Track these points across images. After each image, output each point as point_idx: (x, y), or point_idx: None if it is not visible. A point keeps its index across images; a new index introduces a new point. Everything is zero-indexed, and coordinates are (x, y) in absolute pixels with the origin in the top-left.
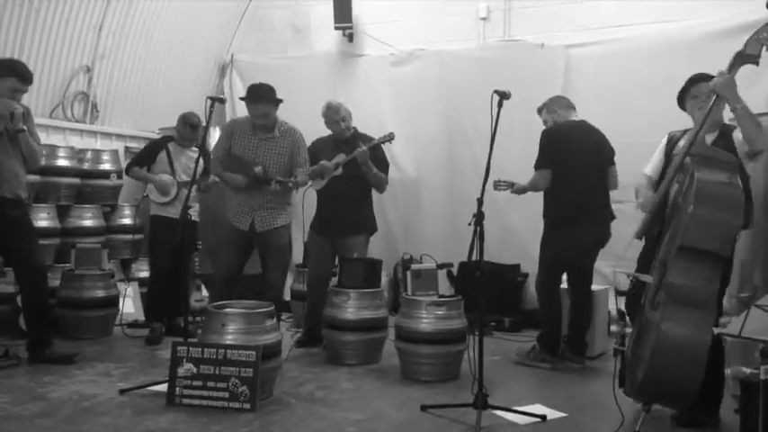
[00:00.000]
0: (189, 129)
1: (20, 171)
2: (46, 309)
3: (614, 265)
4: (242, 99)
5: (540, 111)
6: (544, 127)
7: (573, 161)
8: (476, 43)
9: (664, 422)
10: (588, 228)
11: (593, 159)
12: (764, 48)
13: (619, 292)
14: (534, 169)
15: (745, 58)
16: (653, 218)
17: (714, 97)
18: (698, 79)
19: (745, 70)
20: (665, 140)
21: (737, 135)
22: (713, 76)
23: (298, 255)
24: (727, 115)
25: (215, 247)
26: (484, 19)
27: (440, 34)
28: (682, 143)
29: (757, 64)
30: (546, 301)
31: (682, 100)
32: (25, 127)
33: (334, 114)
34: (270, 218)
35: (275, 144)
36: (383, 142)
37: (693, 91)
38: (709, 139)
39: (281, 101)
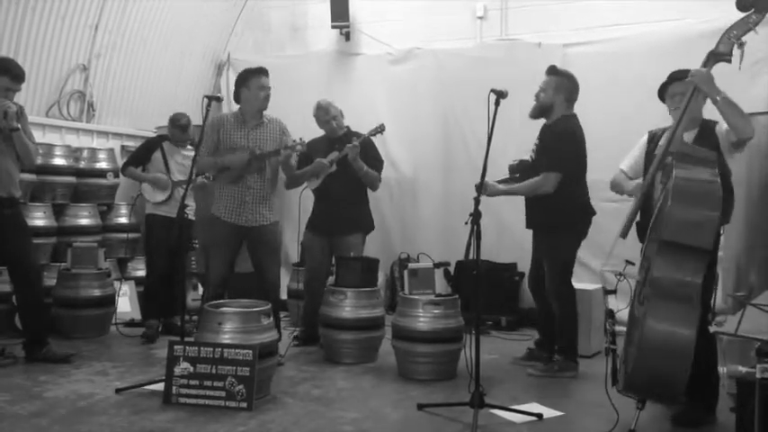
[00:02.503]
0: (178, 130)
1: (14, 170)
2: (41, 308)
3: (602, 263)
4: (242, 76)
5: (554, 71)
6: (536, 103)
7: (583, 160)
8: (473, 42)
9: (660, 421)
10: (587, 227)
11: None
12: (735, 46)
13: (606, 291)
14: (544, 169)
15: (718, 56)
16: (636, 215)
17: (692, 89)
18: (674, 78)
19: (745, 69)
20: (645, 138)
21: (720, 128)
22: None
23: (294, 254)
24: (709, 113)
25: (208, 249)
26: (481, 18)
27: (437, 33)
28: (663, 141)
29: (730, 62)
30: (568, 308)
31: (662, 95)
32: (19, 125)
33: (324, 114)
34: (262, 211)
35: (265, 130)
36: (374, 134)
37: (670, 90)
38: (691, 135)
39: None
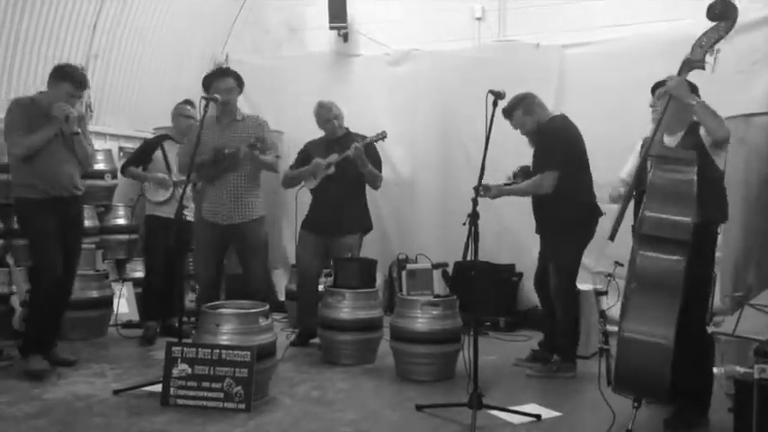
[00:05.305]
0: (185, 118)
1: (75, 172)
2: (66, 308)
3: (594, 265)
4: (206, 79)
5: (509, 112)
6: (527, 137)
7: (582, 159)
8: (471, 43)
9: (657, 421)
10: (594, 227)
11: (587, 155)
12: (707, 54)
13: (598, 292)
14: (541, 170)
15: (691, 63)
16: (622, 218)
17: (668, 98)
18: (658, 85)
19: (744, 69)
20: (639, 145)
21: (702, 130)
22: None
23: (292, 255)
24: None
25: (197, 250)
26: (479, 19)
27: (435, 34)
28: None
29: (703, 68)
30: (570, 309)
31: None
32: (80, 130)
33: (326, 113)
34: (242, 209)
35: (238, 128)
36: (376, 141)
37: (656, 95)
38: (677, 137)
39: (243, 84)
